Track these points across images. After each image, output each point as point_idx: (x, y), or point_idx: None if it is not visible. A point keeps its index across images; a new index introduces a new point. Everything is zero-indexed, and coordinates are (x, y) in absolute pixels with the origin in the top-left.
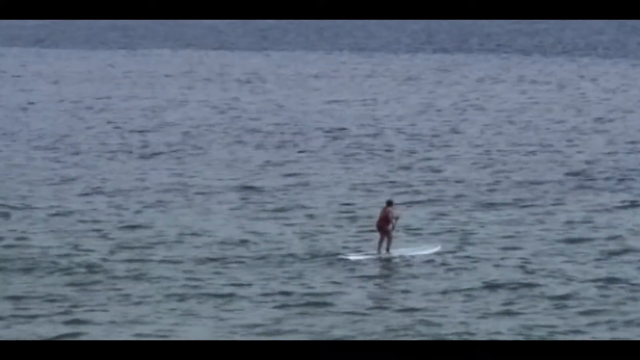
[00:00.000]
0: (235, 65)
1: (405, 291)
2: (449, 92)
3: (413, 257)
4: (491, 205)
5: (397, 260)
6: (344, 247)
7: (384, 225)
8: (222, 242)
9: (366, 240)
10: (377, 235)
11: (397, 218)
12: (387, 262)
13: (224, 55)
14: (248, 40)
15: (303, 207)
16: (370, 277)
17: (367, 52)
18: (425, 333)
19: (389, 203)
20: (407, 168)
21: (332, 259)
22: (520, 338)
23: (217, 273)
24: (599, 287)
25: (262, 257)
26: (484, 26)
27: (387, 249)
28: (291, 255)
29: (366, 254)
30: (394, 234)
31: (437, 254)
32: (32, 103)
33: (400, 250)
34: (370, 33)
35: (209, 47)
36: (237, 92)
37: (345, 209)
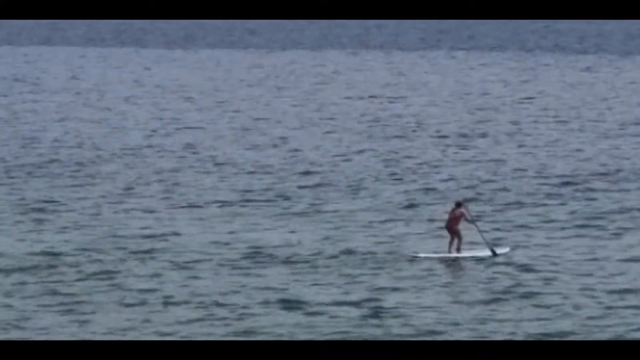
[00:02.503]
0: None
1: (474, 291)
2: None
3: (483, 257)
4: (556, 202)
5: (468, 260)
6: (413, 248)
7: (454, 225)
8: (284, 243)
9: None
10: (447, 235)
11: (470, 221)
12: (458, 262)
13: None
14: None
15: (364, 207)
16: (442, 277)
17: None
18: (486, 333)
19: (458, 204)
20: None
21: (402, 259)
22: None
23: (280, 273)
24: None
25: (332, 257)
26: (487, 26)
27: (458, 249)
28: (361, 255)
29: (437, 254)
30: (465, 230)
31: (506, 254)
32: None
33: (470, 251)
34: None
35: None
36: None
37: (410, 208)
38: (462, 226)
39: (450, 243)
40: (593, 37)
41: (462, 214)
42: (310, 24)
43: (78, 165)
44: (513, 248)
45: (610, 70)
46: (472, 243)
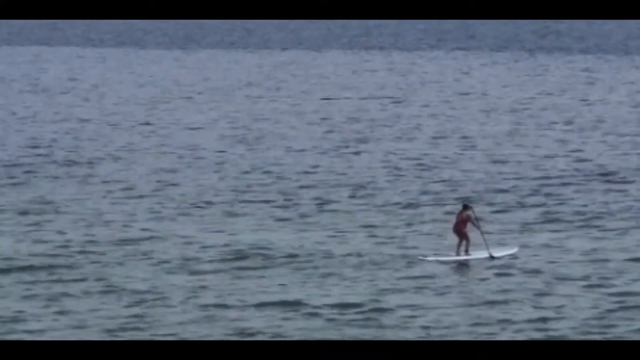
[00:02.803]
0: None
1: (475, 291)
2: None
3: (491, 258)
4: (559, 203)
5: (475, 262)
6: (421, 250)
7: (461, 228)
8: (284, 243)
9: (441, 242)
10: (455, 238)
11: (477, 219)
12: (466, 265)
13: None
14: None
15: (365, 208)
16: (442, 278)
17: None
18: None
19: (465, 207)
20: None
21: (403, 260)
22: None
23: (284, 276)
24: None
25: (333, 258)
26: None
27: (466, 251)
28: (361, 256)
29: (445, 256)
30: (474, 233)
31: (514, 256)
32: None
33: (478, 252)
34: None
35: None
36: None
37: (411, 209)
38: (469, 228)
39: (459, 245)
40: (593, 37)
41: (469, 216)
42: (310, 24)
43: (77, 165)
44: (519, 249)
45: (610, 70)
46: (476, 245)
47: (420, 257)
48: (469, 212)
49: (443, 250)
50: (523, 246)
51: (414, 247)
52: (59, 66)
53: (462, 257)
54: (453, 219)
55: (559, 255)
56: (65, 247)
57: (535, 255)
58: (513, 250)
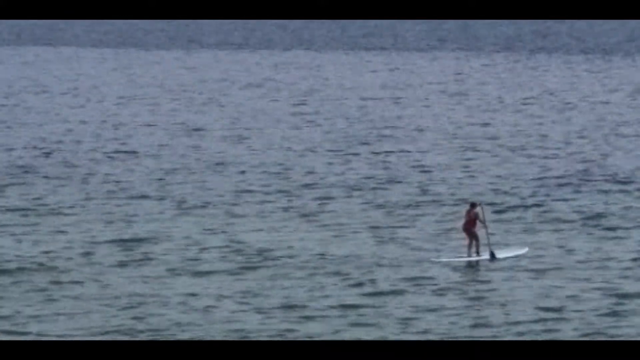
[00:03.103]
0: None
1: (475, 291)
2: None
3: (492, 258)
4: (572, 201)
5: (478, 262)
6: (423, 250)
7: (471, 227)
8: (284, 244)
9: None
10: (464, 238)
11: (482, 221)
12: (468, 265)
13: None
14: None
15: (365, 209)
16: (451, 279)
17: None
18: (507, 334)
19: (473, 205)
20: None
21: (412, 261)
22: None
23: (297, 277)
24: None
25: (333, 258)
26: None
27: (477, 252)
28: (362, 256)
29: (456, 257)
30: (483, 232)
31: (525, 256)
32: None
33: (487, 252)
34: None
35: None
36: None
37: (411, 210)
38: (478, 227)
39: (469, 246)
40: (593, 37)
41: (477, 214)
42: (310, 23)
43: (77, 166)
44: (526, 250)
45: (610, 71)
46: (481, 244)
47: (432, 259)
48: (477, 210)
49: (447, 251)
50: (525, 246)
51: (416, 248)
52: (59, 66)
53: (473, 258)
54: (455, 219)
55: (562, 256)
56: (65, 247)
57: (538, 256)
58: (522, 251)
